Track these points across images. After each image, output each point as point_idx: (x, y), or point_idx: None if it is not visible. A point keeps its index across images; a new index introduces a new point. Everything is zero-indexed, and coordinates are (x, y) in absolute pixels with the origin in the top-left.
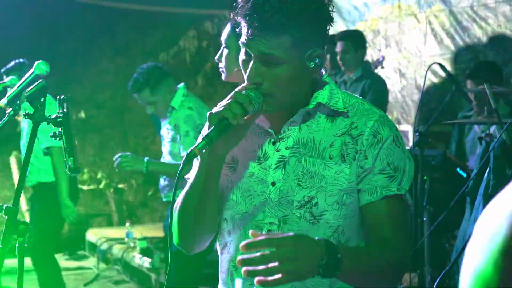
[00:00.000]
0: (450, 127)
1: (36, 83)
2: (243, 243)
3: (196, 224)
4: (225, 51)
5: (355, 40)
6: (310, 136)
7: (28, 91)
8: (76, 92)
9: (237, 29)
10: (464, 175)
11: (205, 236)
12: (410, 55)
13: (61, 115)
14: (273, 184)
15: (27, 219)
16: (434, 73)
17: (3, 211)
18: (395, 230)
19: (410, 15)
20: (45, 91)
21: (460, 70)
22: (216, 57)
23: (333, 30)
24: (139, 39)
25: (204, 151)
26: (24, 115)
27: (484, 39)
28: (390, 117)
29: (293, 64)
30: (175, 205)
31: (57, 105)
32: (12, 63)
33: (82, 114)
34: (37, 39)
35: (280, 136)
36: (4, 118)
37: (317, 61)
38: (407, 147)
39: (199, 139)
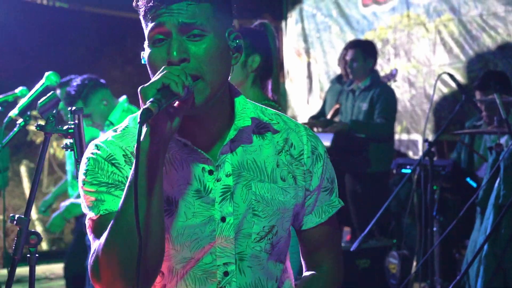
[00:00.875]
0: (460, 137)
1: (48, 94)
2: None
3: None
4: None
5: (365, 49)
6: (250, 158)
7: (40, 102)
8: None
9: (140, 10)
10: (474, 185)
11: (151, 272)
12: (419, 64)
13: (72, 126)
14: (223, 219)
15: (38, 228)
16: (444, 82)
17: (15, 222)
18: (334, 253)
19: (419, 24)
20: (57, 103)
21: (469, 79)
22: None
23: (342, 40)
24: None
25: (156, 113)
26: (36, 127)
27: (494, 48)
28: (399, 126)
29: (218, 37)
30: (99, 245)
31: (69, 116)
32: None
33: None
34: (46, 48)
35: (216, 163)
36: (15, 129)
37: (237, 42)
38: (417, 157)
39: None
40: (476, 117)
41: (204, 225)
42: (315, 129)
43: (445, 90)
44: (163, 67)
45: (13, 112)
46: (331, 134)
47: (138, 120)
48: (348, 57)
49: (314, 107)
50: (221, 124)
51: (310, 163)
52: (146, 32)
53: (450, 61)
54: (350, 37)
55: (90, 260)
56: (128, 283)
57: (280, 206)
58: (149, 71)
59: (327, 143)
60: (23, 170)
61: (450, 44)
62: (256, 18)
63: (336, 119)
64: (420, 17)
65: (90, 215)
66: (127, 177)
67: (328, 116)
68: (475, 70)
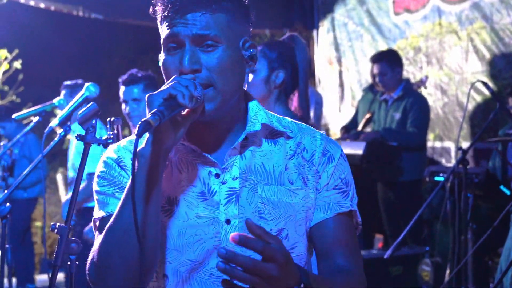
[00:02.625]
0: (493, 144)
1: (88, 105)
2: (235, 234)
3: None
4: (250, 75)
5: (390, 60)
6: (258, 162)
7: (80, 113)
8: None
9: (157, 17)
10: (508, 192)
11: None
12: (451, 72)
13: (111, 136)
14: (228, 222)
15: None
16: (476, 90)
17: (56, 230)
18: (351, 256)
19: (451, 32)
20: (97, 114)
21: (502, 87)
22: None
23: (374, 48)
24: None
25: (155, 125)
26: (76, 137)
27: None
28: (432, 134)
29: (231, 47)
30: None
31: (108, 126)
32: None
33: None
34: (82, 59)
35: (223, 166)
36: (55, 139)
37: (252, 51)
38: (450, 164)
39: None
40: (509, 125)
41: (207, 226)
42: (348, 140)
43: (478, 98)
44: (174, 76)
45: (54, 123)
46: (363, 142)
47: (136, 132)
48: (376, 71)
49: (346, 116)
50: (233, 130)
51: (319, 163)
52: (162, 38)
53: (482, 69)
54: (382, 45)
55: (88, 260)
56: (121, 283)
57: (288, 208)
58: (163, 76)
59: (359, 151)
60: (59, 178)
61: (482, 52)
62: (288, 28)
63: (368, 127)
64: (452, 25)
65: (96, 215)
66: None
67: (360, 126)
68: (507, 77)
